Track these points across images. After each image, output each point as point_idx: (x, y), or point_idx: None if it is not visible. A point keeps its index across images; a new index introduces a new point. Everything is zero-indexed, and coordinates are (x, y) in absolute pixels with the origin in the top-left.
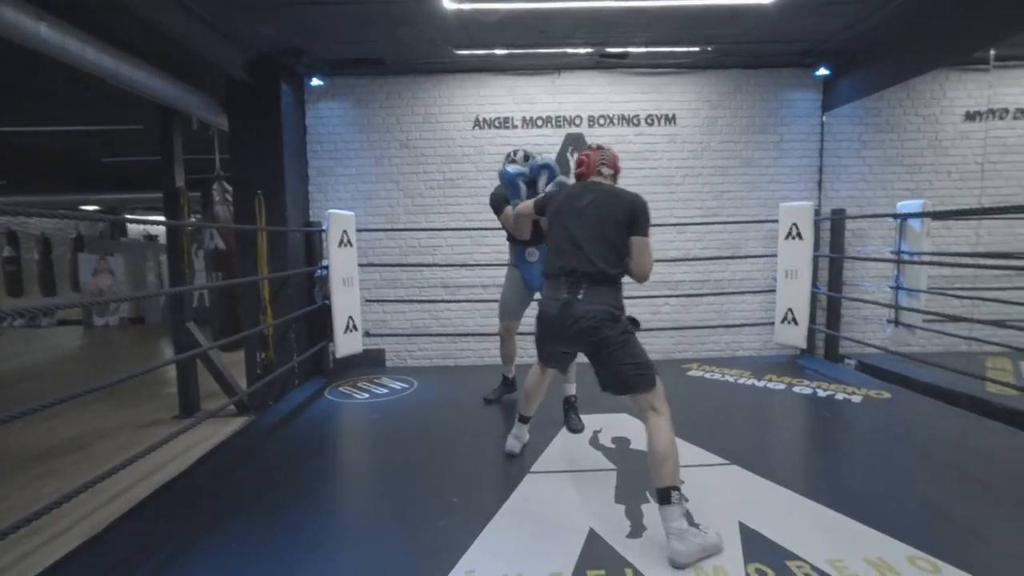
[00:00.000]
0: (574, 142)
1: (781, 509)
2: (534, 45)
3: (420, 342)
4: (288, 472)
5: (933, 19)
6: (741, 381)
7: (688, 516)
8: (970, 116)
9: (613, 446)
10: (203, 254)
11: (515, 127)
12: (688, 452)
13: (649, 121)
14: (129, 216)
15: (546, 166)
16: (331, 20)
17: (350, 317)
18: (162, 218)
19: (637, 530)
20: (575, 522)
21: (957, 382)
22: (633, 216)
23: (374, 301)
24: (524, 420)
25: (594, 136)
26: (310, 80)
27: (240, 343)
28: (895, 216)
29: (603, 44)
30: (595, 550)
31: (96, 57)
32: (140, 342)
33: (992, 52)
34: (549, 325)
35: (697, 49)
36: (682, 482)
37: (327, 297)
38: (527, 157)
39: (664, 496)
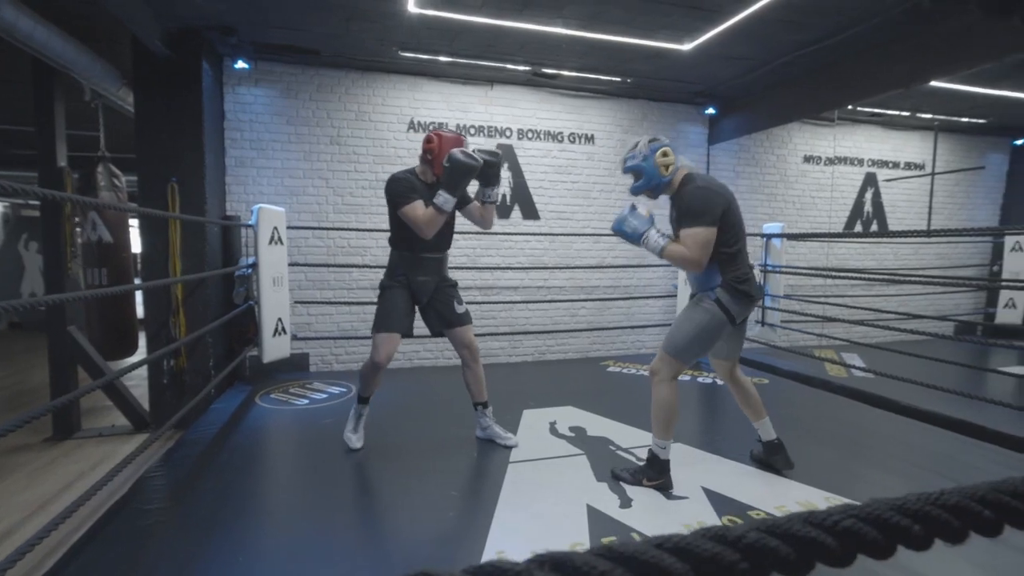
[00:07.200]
0: (505, 153)
1: (726, 473)
2: (477, 57)
3: (348, 345)
4: (261, 484)
5: (791, 86)
6: None
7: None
8: (807, 159)
9: (572, 434)
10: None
11: None
12: (640, 436)
13: (572, 139)
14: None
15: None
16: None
17: (279, 319)
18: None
19: (626, 501)
20: (572, 500)
21: (808, 368)
22: (387, 200)
23: (300, 303)
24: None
25: (523, 149)
26: (235, 62)
27: (130, 347)
28: (762, 235)
29: (540, 64)
30: (599, 522)
31: None
32: None
33: (836, 113)
34: None
35: (618, 79)
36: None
37: (251, 298)
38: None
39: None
